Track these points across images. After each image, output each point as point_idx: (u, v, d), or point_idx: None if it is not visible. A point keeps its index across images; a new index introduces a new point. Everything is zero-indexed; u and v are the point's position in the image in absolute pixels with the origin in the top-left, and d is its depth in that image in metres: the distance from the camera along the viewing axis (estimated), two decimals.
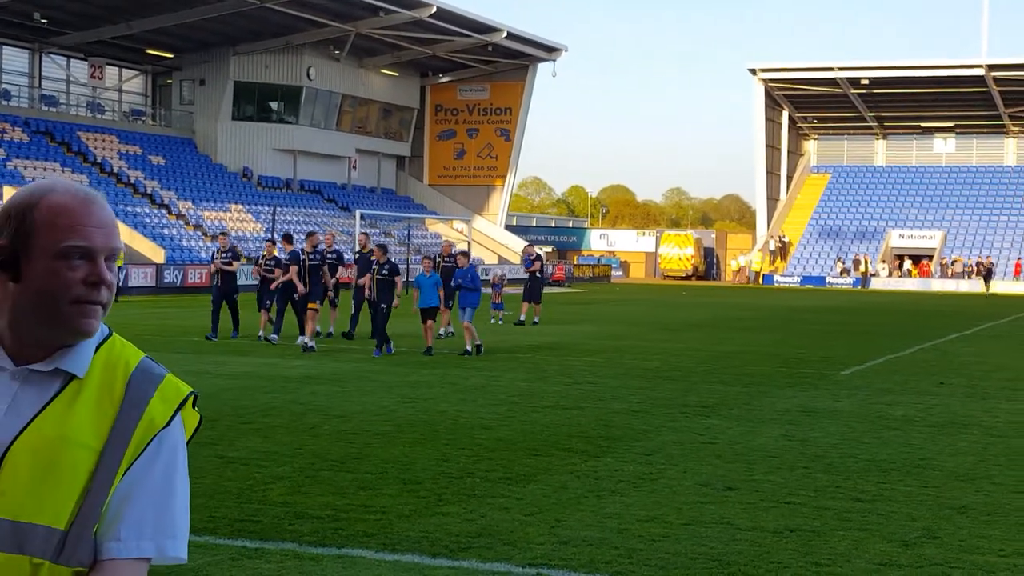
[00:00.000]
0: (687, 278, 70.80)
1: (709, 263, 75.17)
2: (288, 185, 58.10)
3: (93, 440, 1.88)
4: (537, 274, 27.49)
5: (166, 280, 38.51)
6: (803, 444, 10.93)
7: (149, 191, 48.86)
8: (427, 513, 7.76)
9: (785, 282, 66.32)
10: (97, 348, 1.96)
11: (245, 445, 10.14)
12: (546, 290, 50.70)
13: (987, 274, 54.79)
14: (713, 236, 79.37)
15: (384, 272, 18.85)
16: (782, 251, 69.20)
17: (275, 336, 20.23)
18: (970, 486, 9.19)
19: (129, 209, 45.43)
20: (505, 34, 57.96)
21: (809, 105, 74.56)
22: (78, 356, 1.93)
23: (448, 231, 62.73)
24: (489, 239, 63.90)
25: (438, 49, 59.25)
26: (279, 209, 50.76)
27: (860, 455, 10.43)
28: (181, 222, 47.38)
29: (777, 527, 7.64)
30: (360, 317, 21.64)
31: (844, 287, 63.71)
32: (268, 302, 20.64)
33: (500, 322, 26.84)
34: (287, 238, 21.40)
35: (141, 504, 1.88)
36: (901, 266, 67.31)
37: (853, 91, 70.88)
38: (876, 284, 64.31)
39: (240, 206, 51.86)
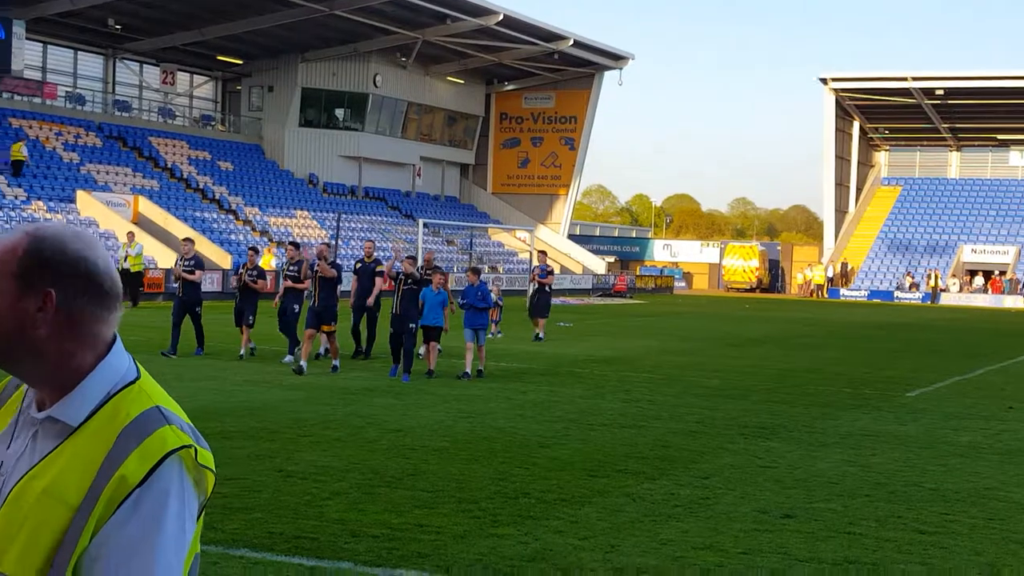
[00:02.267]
0: (751, 290, 70.13)
1: (774, 275, 74.39)
2: (353, 192, 58.58)
3: (73, 496, 1.82)
4: (548, 288, 25.65)
5: (232, 285, 38.91)
6: (865, 470, 10.75)
7: (217, 196, 49.53)
8: (482, 534, 7.75)
9: (852, 296, 65.45)
10: (113, 395, 1.90)
11: (303, 458, 10.20)
12: (608, 301, 50.82)
13: None
14: (779, 248, 78.56)
15: (411, 284, 16.99)
16: (844, 277, 68.23)
17: (292, 358, 18.56)
18: None
19: (197, 214, 46.10)
20: (572, 42, 57.92)
21: (881, 116, 73.55)
22: (72, 404, 1.89)
23: (511, 240, 62.81)
24: (552, 248, 63.84)
25: (504, 57, 59.39)
26: (344, 216, 51.13)
27: (923, 483, 10.23)
28: (248, 228, 47.96)
29: (836, 558, 7.52)
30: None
31: (913, 302, 62.73)
32: (251, 318, 19.22)
33: (500, 334, 25.31)
34: (294, 246, 19.95)
35: (110, 567, 1.80)
36: (972, 281, 66.14)
37: (927, 102, 69.79)
38: (946, 299, 63.23)
39: (306, 212, 52.38)
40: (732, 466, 10.72)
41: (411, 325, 16.82)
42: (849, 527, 8.40)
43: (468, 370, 17.26)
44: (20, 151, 42.03)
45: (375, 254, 20.16)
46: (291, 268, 19.30)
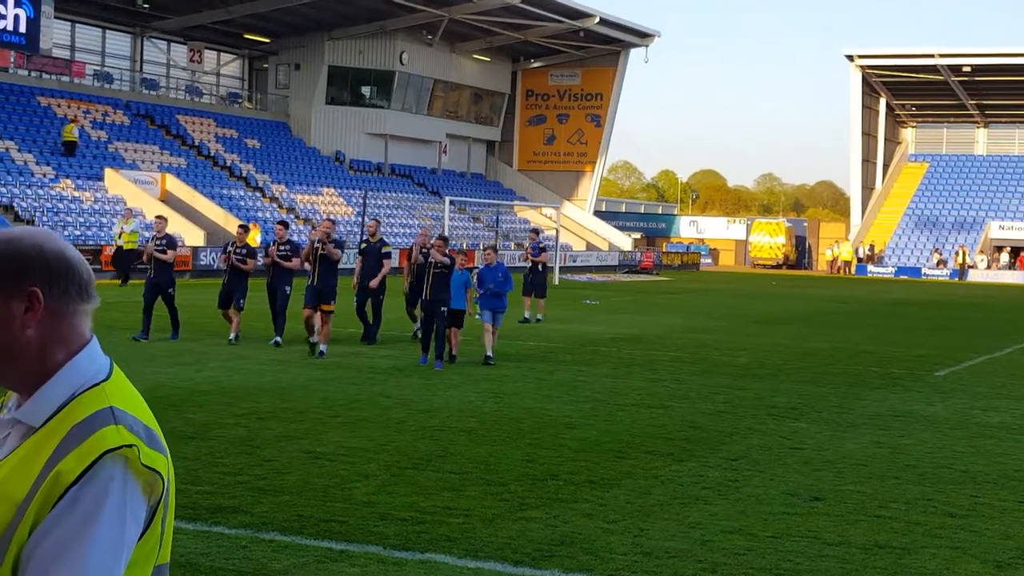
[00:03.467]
0: (778, 267, 69.80)
1: (801, 252, 74.01)
2: (379, 169, 58.59)
3: (18, 492, 1.84)
4: (540, 267, 24.41)
5: (259, 263, 38.96)
6: (894, 452, 10.71)
7: (244, 174, 49.66)
8: (510, 518, 7.77)
9: (879, 273, 65.05)
10: (76, 396, 1.92)
11: (332, 440, 10.25)
12: (635, 278, 50.68)
13: None
14: (805, 224, 78.08)
15: (441, 269, 16.13)
16: (870, 259, 67.70)
17: (279, 339, 17.88)
18: None
19: (224, 192, 46.24)
20: (597, 20, 57.63)
21: (908, 92, 72.85)
22: (34, 405, 1.92)
23: (537, 217, 62.71)
24: (578, 225, 63.76)
25: (530, 35, 59.16)
26: (370, 193, 51.18)
27: (953, 465, 10.19)
28: (274, 205, 48.09)
29: (866, 543, 7.50)
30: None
31: (940, 279, 62.29)
32: (241, 301, 18.35)
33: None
34: (283, 225, 19.00)
35: (43, 565, 1.81)
36: (1000, 258, 65.60)
37: (954, 78, 69.08)
38: (974, 276, 62.76)
39: (332, 190, 52.46)
40: (760, 447, 10.70)
41: (443, 308, 16.17)
42: (879, 510, 8.38)
43: (489, 352, 16.69)
44: (71, 132, 42.28)
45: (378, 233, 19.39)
46: (281, 248, 18.49)
